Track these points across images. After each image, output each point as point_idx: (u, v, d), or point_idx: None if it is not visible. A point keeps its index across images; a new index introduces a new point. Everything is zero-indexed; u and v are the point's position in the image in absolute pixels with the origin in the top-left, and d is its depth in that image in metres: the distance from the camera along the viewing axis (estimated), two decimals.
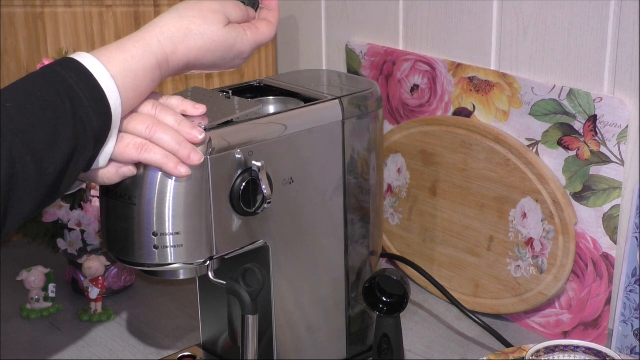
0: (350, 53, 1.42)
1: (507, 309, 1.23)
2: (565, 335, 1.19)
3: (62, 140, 0.77)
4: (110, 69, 0.81)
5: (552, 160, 1.16)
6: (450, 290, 1.23)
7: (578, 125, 1.13)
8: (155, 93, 0.90)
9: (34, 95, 0.77)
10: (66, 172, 0.79)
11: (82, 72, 0.80)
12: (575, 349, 0.99)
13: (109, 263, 1.28)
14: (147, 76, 0.84)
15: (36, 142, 0.76)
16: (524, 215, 1.19)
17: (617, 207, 1.11)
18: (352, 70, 1.42)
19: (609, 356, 0.97)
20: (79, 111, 0.78)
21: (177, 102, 0.91)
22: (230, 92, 1.03)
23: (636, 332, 1.11)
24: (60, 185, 0.80)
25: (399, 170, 1.34)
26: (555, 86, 1.14)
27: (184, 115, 0.90)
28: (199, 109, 0.91)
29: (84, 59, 0.81)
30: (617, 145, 1.09)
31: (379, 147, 1.10)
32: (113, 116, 0.81)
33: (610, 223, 1.12)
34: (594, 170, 1.12)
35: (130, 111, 0.86)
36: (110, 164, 0.86)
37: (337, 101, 1.04)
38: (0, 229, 0.75)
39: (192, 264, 0.93)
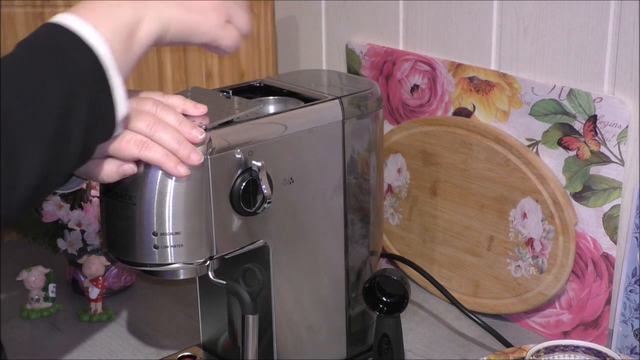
0: (350, 53, 1.42)
1: (507, 309, 1.23)
2: (565, 335, 1.19)
3: (49, 80, 0.74)
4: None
5: (552, 160, 1.16)
6: (450, 290, 1.23)
7: (578, 125, 1.13)
8: (156, 92, 0.90)
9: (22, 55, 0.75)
10: (70, 121, 0.75)
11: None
12: (575, 349, 0.99)
13: (109, 263, 1.28)
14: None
15: (24, 87, 0.72)
16: (524, 215, 1.19)
17: (617, 207, 1.11)
18: (352, 70, 1.42)
19: (609, 356, 0.97)
20: (61, 48, 0.76)
21: (178, 102, 0.91)
22: (230, 92, 1.03)
23: (636, 332, 1.11)
24: (68, 138, 0.75)
25: (399, 170, 1.34)
26: (555, 86, 1.14)
27: (185, 115, 0.90)
28: (200, 109, 0.91)
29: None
30: (617, 145, 1.09)
31: (379, 147, 1.10)
32: (98, 50, 0.77)
33: (610, 223, 1.12)
34: (594, 170, 1.12)
35: (131, 109, 0.86)
36: (111, 161, 0.86)
37: (337, 101, 1.04)
38: (13, 191, 0.71)
39: (192, 263, 0.93)
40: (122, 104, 0.80)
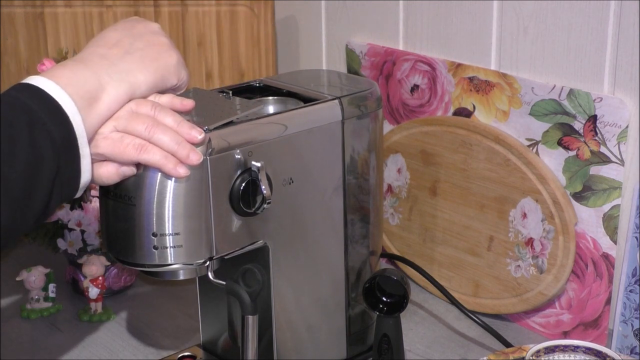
0: (350, 53, 1.42)
1: (507, 309, 1.23)
2: (565, 335, 1.19)
3: (20, 148, 0.75)
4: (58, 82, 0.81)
5: (552, 160, 1.16)
6: (450, 290, 1.23)
7: (578, 125, 1.13)
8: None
9: None
10: (35, 185, 0.77)
11: (36, 90, 0.79)
12: (575, 349, 0.99)
13: (109, 263, 1.28)
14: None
15: None
16: (524, 215, 1.19)
17: (617, 207, 1.11)
18: (352, 70, 1.42)
19: (609, 356, 0.97)
20: (34, 118, 0.77)
21: (167, 100, 0.90)
22: (230, 92, 1.03)
23: (636, 332, 1.11)
24: (31, 200, 0.78)
25: (399, 170, 1.34)
26: (555, 86, 1.14)
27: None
28: (187, 105, 0.90)
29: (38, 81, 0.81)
30: (617, 145, 1.09)
31: (378, 147, 1.10)
32: (73, 120, 0.79)
33: (610, 223, 1.12)
34: (594, 170, 1.12)
35: (130, 112, 0.86)
36: (110, 163, 0.86)
37: (336, 101, 1.04)
38: None
39: (191, 264, 0.93)
40: (86, 173, 0.82)
